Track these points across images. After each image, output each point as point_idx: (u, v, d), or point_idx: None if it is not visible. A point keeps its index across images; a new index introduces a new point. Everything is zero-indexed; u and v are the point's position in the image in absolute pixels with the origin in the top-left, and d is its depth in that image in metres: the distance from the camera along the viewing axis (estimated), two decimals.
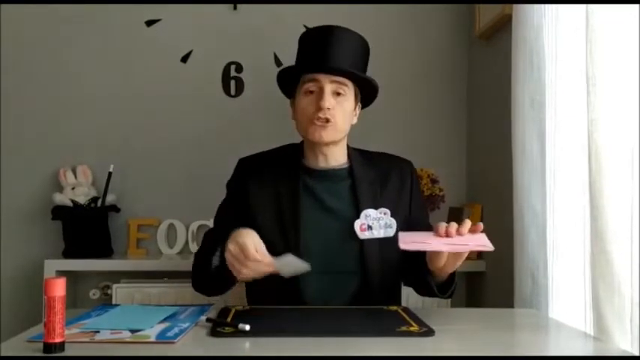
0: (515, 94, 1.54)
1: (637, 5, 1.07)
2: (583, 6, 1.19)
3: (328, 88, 1.35)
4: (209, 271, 1.30)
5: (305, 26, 2.21)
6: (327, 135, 1.37)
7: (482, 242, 1.15)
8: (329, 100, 1.34)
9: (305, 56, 1.40)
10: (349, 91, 1.38)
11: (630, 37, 1.08)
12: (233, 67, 2.23)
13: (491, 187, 2.01)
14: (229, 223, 1.33)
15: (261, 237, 1.34)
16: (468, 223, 1.18)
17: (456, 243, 1.16)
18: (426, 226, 1.41)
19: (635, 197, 1.06)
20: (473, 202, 2.17)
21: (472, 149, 2.25)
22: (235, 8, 2.24)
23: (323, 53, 1.35)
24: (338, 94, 1.36)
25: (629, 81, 1.08)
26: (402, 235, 1.21)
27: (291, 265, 1.23)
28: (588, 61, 1.15)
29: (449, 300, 2.07)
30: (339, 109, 1.36)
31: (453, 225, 1.17)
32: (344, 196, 1.41)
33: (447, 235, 1.16)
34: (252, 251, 1.18)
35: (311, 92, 1.36)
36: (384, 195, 1.42)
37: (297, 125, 1.41)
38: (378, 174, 1.44)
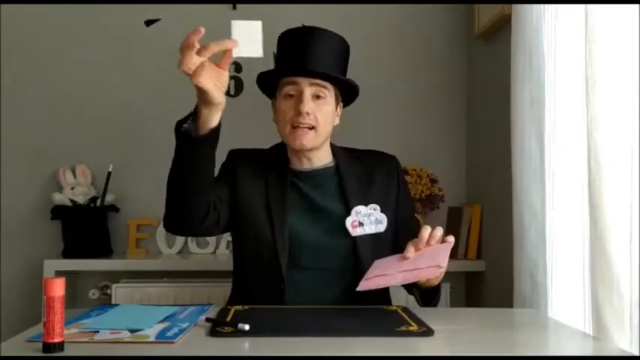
0: (515, 94, 1.54)
1: (636, 5, 1.07)
2: (582, 6, 1.19)
3: (308, 91, 1.34)
4: (180, 155, 1.24)
5: (304, 26, 2.21)
6: (308, 142, 1.36)
7: (437, 261, 1.14)
8: (308, 105, 1.33)
9: (283, 59, 1.38)
10: (329, 93, 1.37)
11: (629, 36, 1.08)
12: (232, 66, 2.23)
13: (490, 187, 2.01)
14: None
15: (250, 230, 1.38)
16: (438, 233, 1.16)
17: (410, 268, 1.16)
18: (412, 222, 1.46)
19: (634, 197, 1.06)
20: (472, 201, 2.17)
21: (471, 149, 2.25)
22: (234, 8, 2.24)
23: (301, 56, 1.33)
24: (318, 97, 1.35)
25: (628, 81, 1.08)
26: (372, 267, 1.21)
27: (242, 29, 1.11)
28: (587, 60, 1.15)
29: (448, 300, 2.09)
30: (320, 112, 1.35)
31: (421, 240, 1.15)
32: (332, 194, 1.41)
33: (404, 256, 1.16)
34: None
35: (290, 96, 1.35)
36: (372, 190, 1.43)
37: (278, 129, 1.40)
38: (364, 170, 1.45)
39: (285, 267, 1.35)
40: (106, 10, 2.22)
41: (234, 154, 1.48)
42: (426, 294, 1.33)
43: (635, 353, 1.02)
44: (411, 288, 1.34)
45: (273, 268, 1.35)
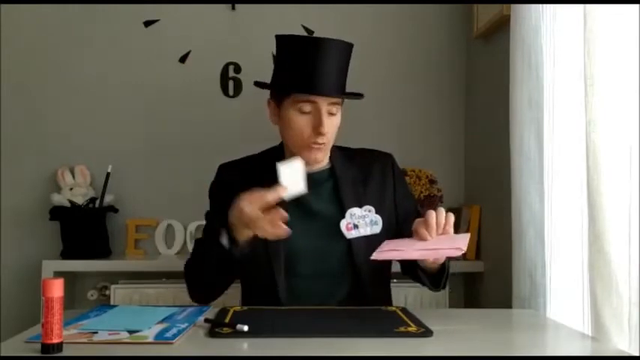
0: (514, 95, 1.54)
1: (634, 5, 1.07)
2: (581, 6, 1.19)
3: (325, 110, 1.33)
4: (213, 261, 1.29)
5: (303, 26, 2.21)
6: (322, 157, 1.39)
7: (456, 245, 1.14)
8: (328, 126, 1.33)
9: (297, 73, 1.33)
10: (340, 106, 1.38)
11: (628, 37, 1.08)
12: (232, 67, 2.23)
13: (489, 188, 2.01)
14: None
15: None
16: (451, 218, 1.20)
17: (429, 247, 1.16)
18: (416, 215, 1.45)
19: (633, 197, 1.06)
20: (471, 202, 2.17)
21: (470, 149, 2.25)
22: (234, 8, 2.24)
23: (319, 74, 1.31)
24: (331, 113, 1.35)
25: (627, 81, 1.08)
26: (383, 244, 1.23)
27: (287, 172, 1.21)
28: (586, 61, 1.15)
29: (447, 300, 2.09)
30: (332, 127, 1.36)
31: (431, 228, 1.18)
32: (327, 197, 1.41)
33: (423, 239, 1.18)
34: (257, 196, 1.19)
35: (305, 112, 1.34)
36: (367, 192, 1.42)
37: (286, 139, 1.40)
38: (359, 171, 1.45)
39: (282, 285, 1.35)
40: (105, 11, 2.22)
41: (224, 170, 1.48)
42: (434, 275, 1.32)
43: (634, 353, 1.02)
44: (415, 274, 1.34)
45: (271, 286, 1.35)
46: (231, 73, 2.23)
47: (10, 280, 2.17)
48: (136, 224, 2.19)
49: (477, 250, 2.08)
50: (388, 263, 1.45)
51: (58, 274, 1.98)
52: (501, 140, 1.69)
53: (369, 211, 1.39)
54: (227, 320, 1.14)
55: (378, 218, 1.39)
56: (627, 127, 1.08)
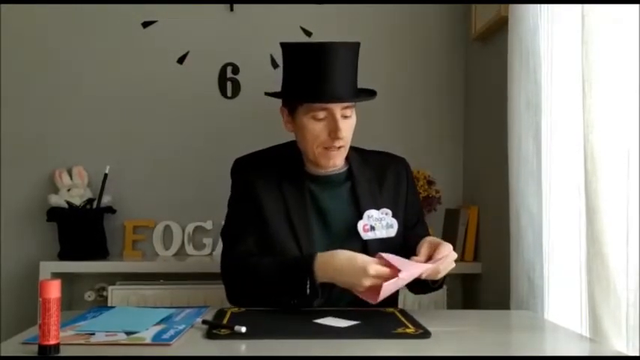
0: (512, 96, 1.54)
1: (633, 6, 1.07)
2: (579, 7, 1.20)
3: (339, 114, 1.34)
4: (281, 294, 1.28)
5: (302, 27, 2.21)
6: (339, 160, 1.39)
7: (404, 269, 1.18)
8: (344, 129, 1.34)
9: (308, 82, 1.33)
10: (353, 108, 1.38)
11: (626, 38, 1.08)
12: (229, 68, 2.23)
13: (487, 189, 2.01)
14: (260, 231, 1.38)
15: (274, 242, 1.37)
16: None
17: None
18: (418, 225, 1.47)
19: (630, 199, 1.06)
20: (469, 203, 2.17)
21: (469, 151, 2.25)
22: (232, 9, 2.23)
23: (330, 81, 1.31)
24: (345, 115, 1.36)
25: (624, 82, 1.08)
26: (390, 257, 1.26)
27: None
28: (584, 62, 1.15)
29: (445, 301, 2.09)
30: (348, 129, 1.37)
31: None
32: (344, 198, 1.42)
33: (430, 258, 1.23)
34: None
35: (320, 118, 1.34)
36: (383, 194, 1.43)
37: (303, 144, 1.39)
38: (375, 173, 1.45)
39: None
40: (103, 11, 2.21)
41: (241, 164, 1.47)
42: (427, 285, 1.33)
43: (632, 354, 1.03)
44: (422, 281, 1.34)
45: None
46: (229, 74, 2.23)
47: (7, 281, 2.17)
48: (134, 225, 2.19)
49: (475, 251, 2.08)
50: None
51: (55, 276, 1.97)
52: (499, 141, 1.69)
53: (386, 213, 1.39)
54: (225, 322, 1.14)
55: (394, 222, 1.40)
56: (625, 129, 1.08)
